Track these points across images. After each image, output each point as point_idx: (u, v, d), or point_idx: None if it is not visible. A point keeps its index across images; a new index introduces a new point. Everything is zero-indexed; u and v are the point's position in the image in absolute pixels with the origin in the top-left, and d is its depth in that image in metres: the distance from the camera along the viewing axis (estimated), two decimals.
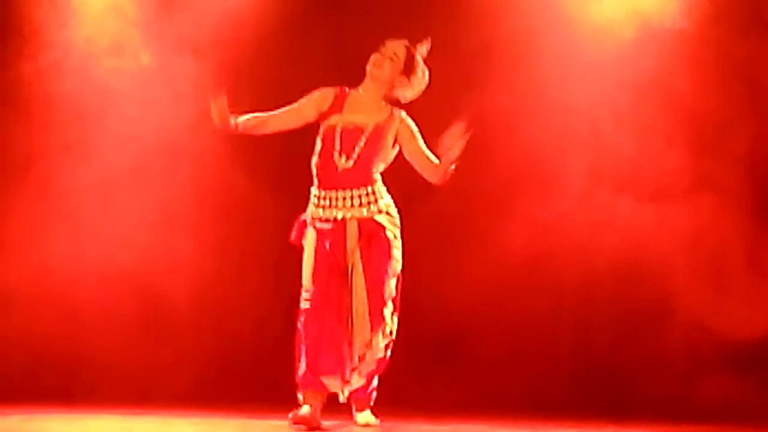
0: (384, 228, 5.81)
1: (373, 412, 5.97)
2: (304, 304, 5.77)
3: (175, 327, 7.81)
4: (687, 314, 7.52)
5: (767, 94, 7.52)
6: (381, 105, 5.91)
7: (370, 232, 5.79)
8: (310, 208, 5.88)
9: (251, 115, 5.89)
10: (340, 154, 5.79)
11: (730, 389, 7.30)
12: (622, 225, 7.60)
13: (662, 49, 7.62)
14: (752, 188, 7.54)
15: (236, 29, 7.91)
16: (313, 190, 5.88)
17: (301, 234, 5.88)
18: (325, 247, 5.78)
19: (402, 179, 7.16)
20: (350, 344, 5.72)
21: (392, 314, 5.82)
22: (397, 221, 5.88)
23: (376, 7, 7.73)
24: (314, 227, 5.83)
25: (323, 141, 5.85)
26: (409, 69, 5.90)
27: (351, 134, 5.81)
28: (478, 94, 7.63)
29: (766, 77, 7.51)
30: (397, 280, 5.85)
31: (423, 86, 5.97)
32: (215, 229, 7.86)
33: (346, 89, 5.94)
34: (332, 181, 5.81)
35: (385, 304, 5.78)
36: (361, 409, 5.96)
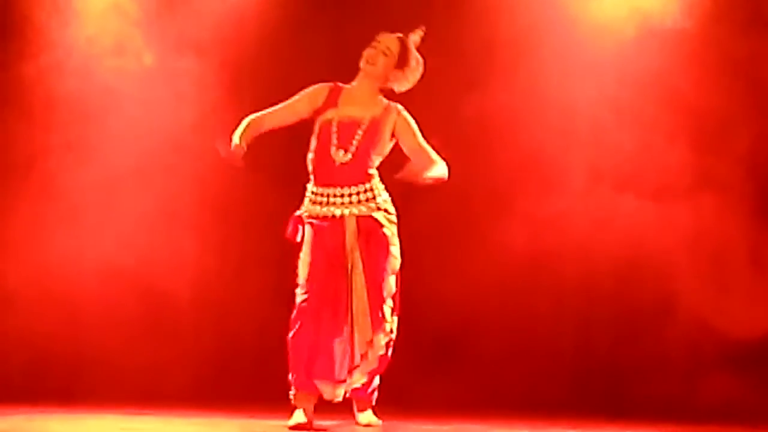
0: (382, 225, 5.76)
1: (374, 412, 5.96)
2: (300, 304, 5.73)
3: (177, 326, 7.82)
4: (688, 313, 7.52)
5: None
6: (377, 99, 5.87)
7: (369, 229, 5.75)
8: (307, 204, 5.84)
9: (247, 120, 5.84)
10: (337, 149, 5.75)
11: (731, 388, 7.29)
12: (624, 223, 7.60)
13: (663, 48, 7.62)
14: (754, 187, 7.54)
15: (238, 29, 7.93)
16: (310, 187, 5.84)
17: (296, 230, 5.82)
18: (322, 245, 5.74)
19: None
20: (351, 343, 5.70)
21: (392, 312, 5.80)
22: (395, 218, 5.84)
23: (377, 6, 7.73)
24: (311, 224, 5.79)
25: (319, 136, 5.80)
26: (403, 61, 5.85)
27: (348, 128, 5.77)
28: (480, 93, 7.64)
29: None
30: (396, 278, 5.83)
31: (418, 76, 5.91)
32: (217, 228, 7.87)
33: (340, 84, 5.91)
34: (329, 177, 5.77)
35: (384, 301, 5.75)
36: (362, 409, 5.94)
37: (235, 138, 5.73)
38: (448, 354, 7.67)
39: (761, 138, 7.52)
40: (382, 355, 5.77)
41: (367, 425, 5.90)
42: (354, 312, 5.71)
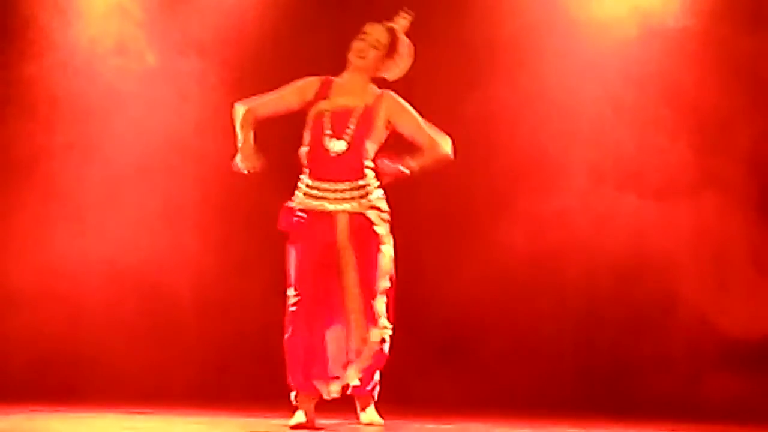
0: (373, 223, 5.68)
1: (377, 410, 5.92)
2: (292, 306, 5.66)
3: (179, 325, 7.82)
4: (690, 312, 7.52)
5: None
6: (368, 88, 5.79)
7: (360, 227, 5.67)
8: (298, 196, 5.74)
9: (241, 111, 5.78)
10: (331, 138, 5.69)
11: (733, 387, 7.30)
12: (625, 222, 7.60)
13: (665, 47, 7.62)
14: (756, 185, 7.53)
15: (240, 29, 7.94)
16: (304, 179, 5.76)
17: (286, 221, 5.72)
18: (311, 242, 5.66)
19: (404, 177, 7.17)
20: (346, 340, 5.66)
21: (387, 308, 5.75)
22: (388, 216, 5.75)
23: (379, 6, 7.68)
24: (301, 219, 5.70)
25: (313, 128, 5.73)
26: (393, 50, 5.79)
27: (341, 116, 5.69)
28: (481, 92, 7.65)
29: None
30: (391, 276, 5.77)
31: (410, 62, 5.83)
32: (219, 228, 7.87)
33: (331, 77, 5.85)
34: (324, 170, 5.69)
35: (377, 297, 5.69)
36: (364, 407, 5.91)
37: (242, 139, 5.70)
38: (451, 353, 7.67)
39: (763, 137, 7.52)
40: (377, 351, 5.71)
41: (369, 424, 5.88)
42: (348, 310, 5.66)
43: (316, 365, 5.66)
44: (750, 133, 7.54)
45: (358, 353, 5.66)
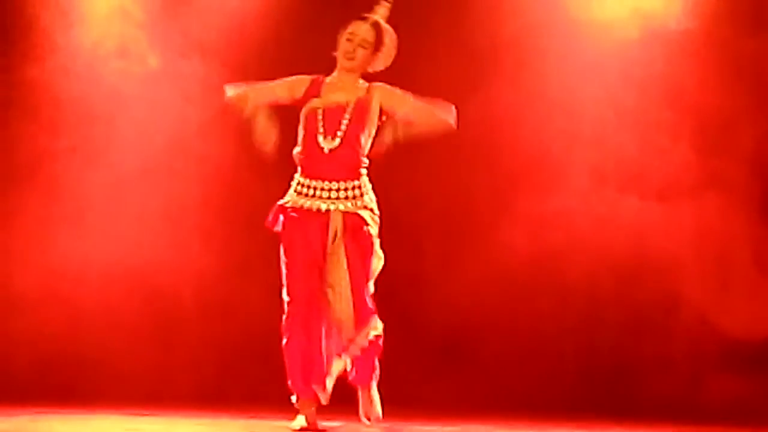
0: (367, 223, 5.67)
1: (380, 394, 5.79)
2: (287, 311, 5.64)
3: (181, 328, 7.83)
4: (692, 312, 7.52)
5: None
6: (358, 83, 5.80)
7: (354, 226, 5.66)
8: (292, 195, 5.73)
9: (236, 94, 5.82)
10: (324, 136, 5.69)
11: (735, 388, 7.29)
12: (627, 223, 7.60)
13: (667, 48, 7.63)
14: (758, 186, 7.54)
15: (242, 30, 7.94)
16: (297, 177, 5.75)
17: (276, 219, 5.74)
18: (301, 241, 5.65)
19: (404, 177, 7.20)
20: (338, 338, 5.64)
21: (372, 300, 5.71)
22: (378, 218, 5.73)
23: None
24: (292, 218, 5.69)
25: (306, 126, 5.72)
26: (379, 44, 5.78)
27: (334, 113, 5.69)
28: (483, 94, 7.64)
29: None
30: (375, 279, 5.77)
31: (394, 52, 5.81)
32: (221, 230, 7.87)
33: (321, 77, 5.83)
34: (318, 168, 5.69)
35: (365, 296, 5.65)
36: (365, 404, 5.82)
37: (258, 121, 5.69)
38: (452, 354, 7.67)
39: (765, 138, 7.52)
40: (367, 346, 5.65)
41: (371, 402, 5.75)
42: (335, 309, 5.63)
43: (315, 370, 5.66)
44: (752, 134, 7.54)
45: (344, 349, 5.64)
